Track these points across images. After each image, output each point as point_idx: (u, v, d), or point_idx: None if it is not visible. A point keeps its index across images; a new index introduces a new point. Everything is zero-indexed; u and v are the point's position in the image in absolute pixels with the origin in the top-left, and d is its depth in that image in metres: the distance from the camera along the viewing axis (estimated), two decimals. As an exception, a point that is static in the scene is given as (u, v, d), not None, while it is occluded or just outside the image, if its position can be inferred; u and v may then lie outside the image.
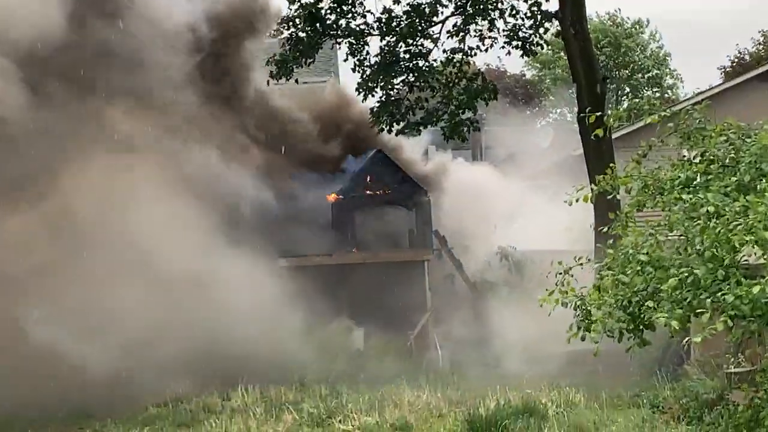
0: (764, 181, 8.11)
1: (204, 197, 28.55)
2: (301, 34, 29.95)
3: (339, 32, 30.77)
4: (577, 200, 9.97)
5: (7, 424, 20.79)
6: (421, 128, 31.96)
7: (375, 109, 31.00)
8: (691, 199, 8.41)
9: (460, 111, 31.92)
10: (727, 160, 8.68)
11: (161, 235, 26.20)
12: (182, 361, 25.01)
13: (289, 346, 27.10)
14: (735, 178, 8.39)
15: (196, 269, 26.81)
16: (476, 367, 27.24)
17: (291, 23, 30.18)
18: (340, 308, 29.50)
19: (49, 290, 24.08)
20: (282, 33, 30.12)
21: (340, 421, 20.94)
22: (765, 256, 8.01)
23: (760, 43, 64.47)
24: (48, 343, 22.64)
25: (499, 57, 79.49)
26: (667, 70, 70.72)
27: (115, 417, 21.94)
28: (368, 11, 30.81)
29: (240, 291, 28.65)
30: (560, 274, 9.11)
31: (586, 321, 8.46)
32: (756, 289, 7.33)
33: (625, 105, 57.61)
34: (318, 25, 29.93)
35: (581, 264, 9.36)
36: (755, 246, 7.83)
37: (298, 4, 29.73)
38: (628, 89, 67.67)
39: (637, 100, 60.60)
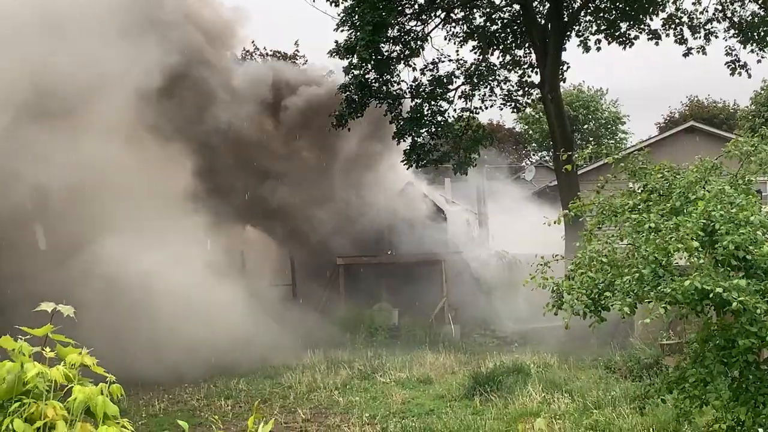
0: (690, 206, 8.11)
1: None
2: (354, 97, 30.02)
3: (381, 95, 30.82)
4: (555, 222, 10.10)
5: (145, 381, 20.79)
6: (437, 164, 32.07)
7: (406, 151, 31.02)
8: (637, 218, 8.41)
9: (467, 153, 31.98)
10: (663, 191, 8.67)
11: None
12: (267, 333, 25.25)
13: (345, 320, 27.23)
14: (669, 204, 8.38)
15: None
16: (479, 338, 27.25)
17: (347, 88, 30.24)
18: (381, 295, 29.57)
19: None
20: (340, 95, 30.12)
21: (380, 376, 21.01)
22: (691, 259, 8.02)
23: (686, 106, 64.30)
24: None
25: (499, 115, 79.63)
26: (621, 125, 70.60)
27: (222, 375, 22.06)
28: (402, 80, 30.95)
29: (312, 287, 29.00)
30: (541, 265, 9.14)
31: (559, 301, 8.49)
32: (687, 283, 7.36)
33: (589, 149, 57.22)
34: (366, 90, 30.00)
35: (556, 260, 9.39)
36: (684, 252, 7.85)
37: (352, 75, 29.81)
38: (592, 138, 67.39)
39: (600, 146, 60.66)
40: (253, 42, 49.30)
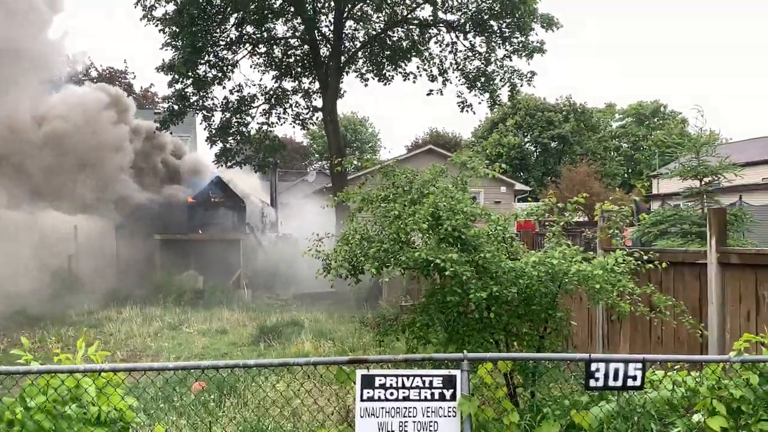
0: (424, 199, 8.53)
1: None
2: (175, 106, 29.23)
3: (197, 107, 30.19)
4: (328, 206, 10.31)
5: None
6: (242, 165, 31.85)
7: (217, 154, 30.61)
8: (386, 207, 8.76)
9: (265, 157, 31.98)
10: (405, 187, 9.04)
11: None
12: (93, 289, 24.24)
13: (159, 284, 26.41)
14: (409, 196, 8.77)
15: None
16: (267, 300, 27.18)
17: (169, 99, 29.41)
18: (190, 265, 28.86)
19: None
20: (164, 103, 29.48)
21: (186, 327, 20.53)
22: (422, 239, 8.49)
23: (428, 134, 67.02)
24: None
25: (291, 130, 79.91)
26: (379, 143, 72.78)
27: (53, 322, 20.90)
28: (215, 96, 30.57)
29: (134, 257, 27.97)
30: (315, 241, 9.30)
31: (328, 267, 8.69)
32: (416, 254, 7.78)
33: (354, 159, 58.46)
34: (185, 102, 29.29)
35: (327, 236, 9.59)
36: (419, 232, 8.29)
37: (174, 88, 29.03)
38: (358, 152, 68.85)
39: (363, 159, 62.13)
40: (89, 58, 46.82)
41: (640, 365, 5.03)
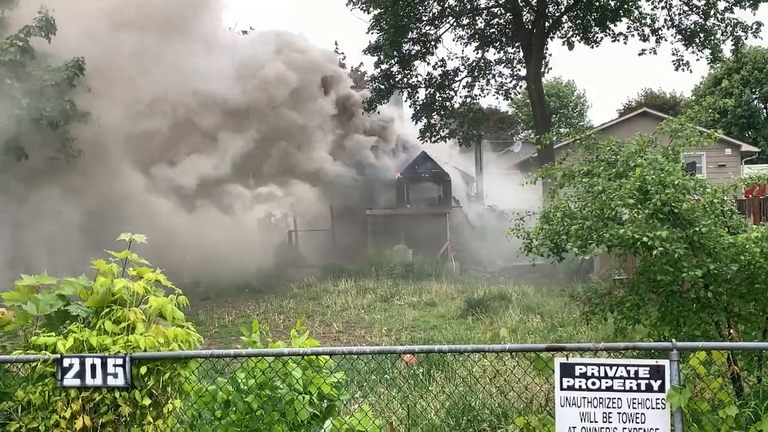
0: (630, 172, 8.06)
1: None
2: (381, 86, 30.01)
3: (402, 85, 30.76)
4: (527, 183, 10.02)
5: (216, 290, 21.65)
6: (446, 139, 32.05)
7: (421, 129, 31.07)
8: (588, 181, 8.40)
9: (470, 130, 31.93)
10: (610, 160, 8.60)
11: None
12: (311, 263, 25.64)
13: (371, 258, 27.38)
14: (614, 170, 8.33)
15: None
16: (474, 272, 27.29)
17: (376, 79, 30.23)
18: (399, 238, 29.62)
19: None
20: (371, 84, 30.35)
21: (397, 300, 21.18)
22: (629, 213, 8.03)
23: (642, 95, 63.27)
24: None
25: (495, 99, 79.18)
26: (587, 105, 69.83)
27: (277, 295, 22.48)
28: (419, 74, 30.94)
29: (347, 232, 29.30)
30: (518, 220, 9.14)
31: (528, 245, 8.52)
32: (621, 231, 7.38)
33: (561, 130, 56.49)
34: (390, 80, 29.96)
35: (528, 214, 9.39)
36: (624, 208, 7.85)
37: (380, 69, 29.78)
38: (564, 120, 66.53)
39: (570, 128, 59.89)
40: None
41: None
